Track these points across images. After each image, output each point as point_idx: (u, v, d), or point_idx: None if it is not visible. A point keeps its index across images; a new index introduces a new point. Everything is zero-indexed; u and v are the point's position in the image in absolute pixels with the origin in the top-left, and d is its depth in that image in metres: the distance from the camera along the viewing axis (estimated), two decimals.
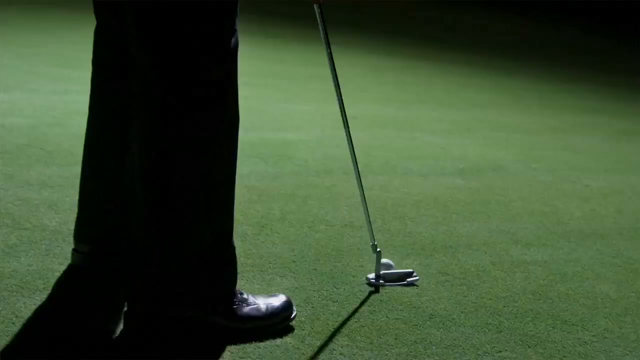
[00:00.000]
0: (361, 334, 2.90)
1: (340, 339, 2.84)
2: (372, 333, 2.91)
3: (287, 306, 2.84)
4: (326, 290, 3.22)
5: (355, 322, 2.99)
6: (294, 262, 3.46)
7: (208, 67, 2.59)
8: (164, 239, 2.64)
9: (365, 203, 3.34)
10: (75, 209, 3.09)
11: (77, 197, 3.09)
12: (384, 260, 3.37)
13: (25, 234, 3.36)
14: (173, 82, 2.58)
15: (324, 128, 6.11)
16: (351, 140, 3.35)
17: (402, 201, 4.50)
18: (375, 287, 3.24)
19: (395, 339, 2.90)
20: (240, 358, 2.63)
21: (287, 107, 6.84)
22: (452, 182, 5.04)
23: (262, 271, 3.33)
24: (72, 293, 2.96)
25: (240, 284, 2.89)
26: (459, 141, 6.30)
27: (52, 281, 2.99)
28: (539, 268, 3.74)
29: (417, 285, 3.32)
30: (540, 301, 3.36)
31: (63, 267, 3.10)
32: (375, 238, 3.31)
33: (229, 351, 2.65)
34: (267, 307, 2.80)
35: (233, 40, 2.66)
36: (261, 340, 2.73)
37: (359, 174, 3.39)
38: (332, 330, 2.89)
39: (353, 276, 3.38)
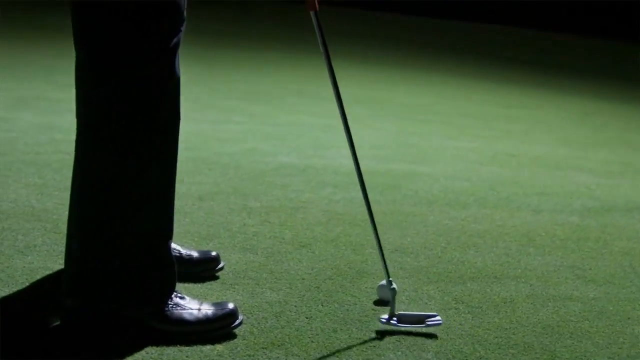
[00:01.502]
0: (305, 348, 2.73)
1: (275, 352, 2.69)
2: (316, 347, 2.73)
3: (226, 315, 2.74)
4: (308, 307, 3.07)
5: (310, 339, 2.83)
6: (302, 279, 3.34)
7: (143, 66, 2.57)
8: (93, 235, 2.63)
9: (377, 233, 3.02)
10: None
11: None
12: (381, 282, 3.10)
13: None
14: (108, 80, 2.58)
15: (466, 163, 5.92)
16: (354, 150, 3.38)
17: (484, 232, 4.24)
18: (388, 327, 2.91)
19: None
20: (153, 359, 2.55)
21: (439, 141, 6.69)
22: (565, 219, 4.68)
23: (258, 285, 3.23)
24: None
25: (228, 294, 2.81)
26: (617, 182, 5.85)
27: None
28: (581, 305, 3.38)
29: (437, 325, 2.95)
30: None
31: None
32: (390, 275, 3.00)
33: (145, 351, 2.59)
34: (202, 313, 2.71)
35: (175, 40, 2.62)
36: (188, 345, 2.64)
37: (366, 192, 3.29)
38: (278, 344, 2.75)
39: (356, 298, 3.20)
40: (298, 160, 5.42)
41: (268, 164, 5.21)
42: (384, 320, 2.87)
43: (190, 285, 3.14)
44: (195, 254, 3.22)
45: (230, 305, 2.76)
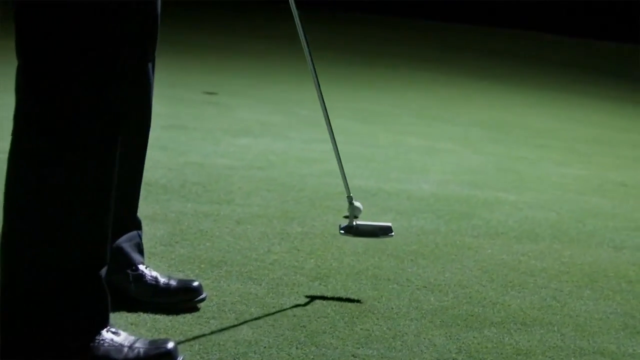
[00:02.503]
0: None
1: None
2: None
3: (160, 355, 2.43)
4: (278, 349, 2.73)
5: None
6: (293, 315, 3.01)
7: (72, 76, 2.34)
8: (13, 260, 2.39)
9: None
10: None
11: None
12: (356, 203, 3.28)
13: None
14: (36, 87, 2.36)
15: (564, 191, 5.43)
16: (338, 154, 3.34)
17: (540, 270, 3.78)
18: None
19: None
20: None
21: (546, 168, 6.19)
22: None
23: (237, 320, 2.92)
24: None
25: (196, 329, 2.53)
26: None
27: None
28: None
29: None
30: None
31: None
32: (350, 190, 3.27)
33: None
34: (133, 351, 2.42)
35: (113, 53, 2.37)
36: None
37: (348, 188, 3.31)
38: None
39: (341, 341, 2.85)
40: (374, 184, 5.07)
41: (337, 187, 4.87)
42: (343, 232, 3.20)
43: (160, 317, 2.86)
44: (174, 283, 2.94)
45: (169, 345, 2.46)
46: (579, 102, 10.20)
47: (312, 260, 3.58)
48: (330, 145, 5.64)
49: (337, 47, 12.57)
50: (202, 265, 3.39)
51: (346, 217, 3.32)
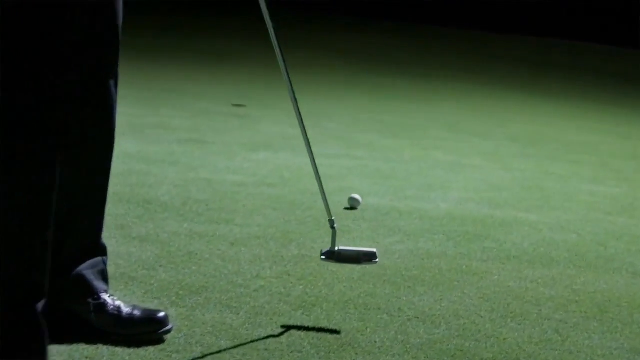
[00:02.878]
0: None
1: None
2: None
3: None
4: None
5: None
6: (265, 349, 2.80)
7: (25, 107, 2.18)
8: None
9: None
10: None
11: None
12: (354, 195, 3.25)
13: None
14: None
15: (591, 211, 5.16)
16: (315, 163, 3.18)
17: (548, 299, 3.54)
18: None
19: None
20: None
21: (575, 185, 5.91)
22: None
23: (203, 353, 2.72)
24: None
25: None
26: None
27: None
28: None
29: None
30: None
31: None
32: (332, 214, 3.06)
33: None
34: None
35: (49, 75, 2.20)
36: None
37: (325, 198, 3.15)
38: None
39: None
40: (388, 202, 4.84)
41: (347, 206, 4.67)
42: (323, 258, 3.00)
43: (120, 350, 2.67)
44: (138, 313, 2.75)
45: None
46: (623, 115, 9.86)
47: (300, 287, 3.37)
48: (351, 162, 5.48)
49: (368, 56, 12.36)
50: (181, 292, 3.20)
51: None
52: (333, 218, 3.04)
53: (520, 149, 7.12)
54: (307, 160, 5.73)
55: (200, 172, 5.13)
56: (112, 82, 2.62)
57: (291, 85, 2.82)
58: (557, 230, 4.62)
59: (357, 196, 4.71)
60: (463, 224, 4.53)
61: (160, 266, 3.45)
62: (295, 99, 2.83)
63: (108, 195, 4.34)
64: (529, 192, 5.52)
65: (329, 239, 4.00)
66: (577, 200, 5.42)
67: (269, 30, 2.74)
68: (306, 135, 2.98)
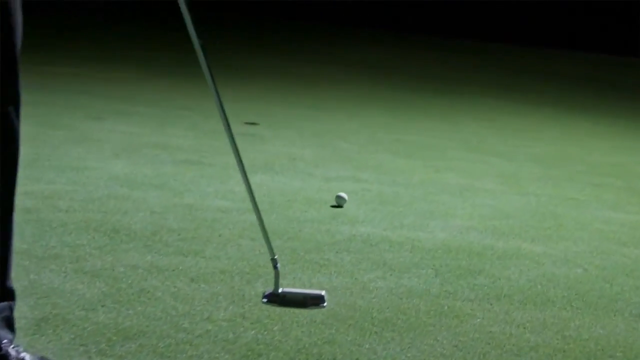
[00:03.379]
0: None
1: None
2: None
3: None
4: None
5: None
6: None
7: None
8: None
9: (262, 221, 2.76)
10: None
11: None
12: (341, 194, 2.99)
13: None
14: None
15: (603, 242, 4.75)
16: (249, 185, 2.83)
17: (532, 347, 3.15)
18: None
19: None
20: None
21: (591, 212, 5.49)
22: None
23: None
24: None
25: None
26: None
27: None
28: None
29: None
30: None
31: None
32: (275, 253, 2.74)
33: None
34: None
35: None
36: None
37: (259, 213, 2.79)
38: None
39: None
40: (380, 231, 4.48)
41: (335, 235, 4.32)
42: (265, 301, 2.71)
43: None
44: (28, 358, 2.43)
45: None
46: None
47: (252, 332, 3.02)
48: (354, 185, 5.15)
49: (390, 70, 11.96)
50: (114, 338, 2.86)
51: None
52: (276, 257, 2.69)
53: (541, 171, 6.70)
54: (307, 183, 5.43)
55: (186, 196, 4.81)
56: (11, 109, 2.30)
57: (219, 99, 2.46)
58: (561, 263, 4.22)
59: (343, 194, 4.89)
60: (457, 257, 4.15)
61: (103, 306, 3.13)
62: (225, 114, 2.53)
63: (72, 223, 4.06)
64: (539, 219, 5.12)
65: (303, 275, 3.67)
66: (591, 229, 5.00)
67: (195, 46, 2.41)
68: (238, 153, 2.84)
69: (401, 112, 9.08)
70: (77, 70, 9.76)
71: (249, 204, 4.77)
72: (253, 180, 5.33)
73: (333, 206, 4.39)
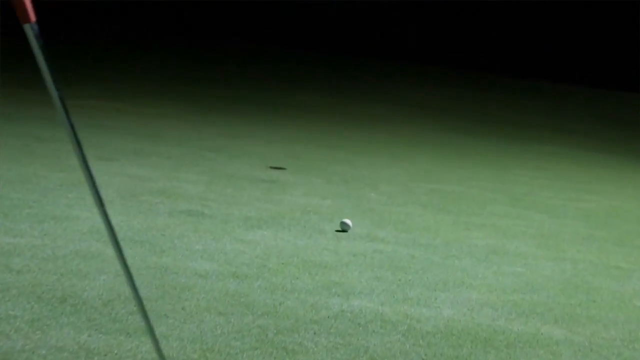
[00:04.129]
0: None
1: None
2: None
3: None
4: None
5: None
6: None
7: None
8: None
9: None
10: None
11: None
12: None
13: None
14: None
15: None
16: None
17: None
18: None
19: None
20: None
21: (634, 284, 4.77)
22: None
23: None
24: None
25: None
26: None
27: None
28: None
29: None
30: None
31: None
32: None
33: None
34: None
35: None
36: None
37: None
38: None
39: None
40: (376, 306, 3.86)
41: (320, 311, 3.71)
42: None
43: None
44: None
45: None
46: None
47: None
48: (365, 245, 4.68)
49: (438, 111, 11.27)
50: None
51: None
52: None
53: (588, 230, 5.98)
54: (313, 241, 4.81)
55: (165, 255, 4.25)
56: None
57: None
58: (584, 355, 3.52)
59: (347, 222, 5.02)
60: (458, 343, 3.50)
61: None
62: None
63: (17, 288, 3.53)
64: (570, 294, 4.42)
65: None
66: (629, 308, 4.29)
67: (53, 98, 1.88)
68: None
69: (445, 157, 8.42)
70: (108, 104, 9.34)
71: (234, 267, 4.20)
72: (250, 237, 4.75)
73: (338, 231, 4.14)
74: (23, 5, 1.87)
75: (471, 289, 4.30)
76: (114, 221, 4.53)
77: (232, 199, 5.65)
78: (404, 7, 18.66)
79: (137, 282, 3.67)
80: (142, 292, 3.56)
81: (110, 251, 4.13)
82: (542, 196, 7.06)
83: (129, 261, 3.87)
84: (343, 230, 4.92)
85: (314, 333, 3.45)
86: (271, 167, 6.92)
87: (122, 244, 4.20)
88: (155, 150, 7.08)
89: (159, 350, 2.17)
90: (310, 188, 6.30)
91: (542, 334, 3.74)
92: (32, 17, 1.80)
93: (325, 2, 19.13)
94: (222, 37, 16.97)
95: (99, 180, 5.45)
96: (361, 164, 7.53)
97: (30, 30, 1.89)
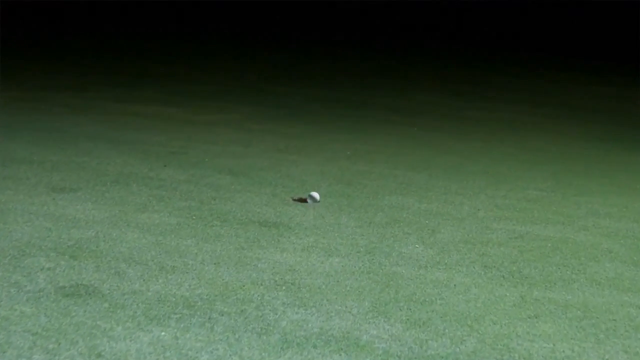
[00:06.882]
0: None
1: None
2: None
3: None
4: None
5: None
6: None
7: None
8: None
9: None
10: None
11: None
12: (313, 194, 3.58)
13: None
14: None
15: None
16: None
17: None
18: None
19: None
20: None
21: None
22: None
23: None
24: None
25: None
26: None
27: None
28: None
29: None
30: None
31: None
32: None
33: None
34: None
35: None
36: None
37: None
38: None
39: None
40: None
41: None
42: None
43: None
44: None
45: None
46: None
47: None
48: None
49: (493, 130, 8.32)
50: None
51: None
52: None
53: (622, 271, 3.68)
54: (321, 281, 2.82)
55: None
56: None
57: None
58: None
59: (315, 195, 4.84)
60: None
61: None
62: None
63: None
64: None
65: None
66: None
67: None
68: None
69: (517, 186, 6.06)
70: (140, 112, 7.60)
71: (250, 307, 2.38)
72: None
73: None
74: None
75: None
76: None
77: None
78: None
79: None
80: None
81: None
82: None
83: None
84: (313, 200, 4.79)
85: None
86: (294, 199, 5.08)
87: None
88: (153, 174, 5.30)
89: None
90: (333, 228, 4.43)
91: None
92: None
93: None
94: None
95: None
96: (396, 199, 5.47)
97: None
